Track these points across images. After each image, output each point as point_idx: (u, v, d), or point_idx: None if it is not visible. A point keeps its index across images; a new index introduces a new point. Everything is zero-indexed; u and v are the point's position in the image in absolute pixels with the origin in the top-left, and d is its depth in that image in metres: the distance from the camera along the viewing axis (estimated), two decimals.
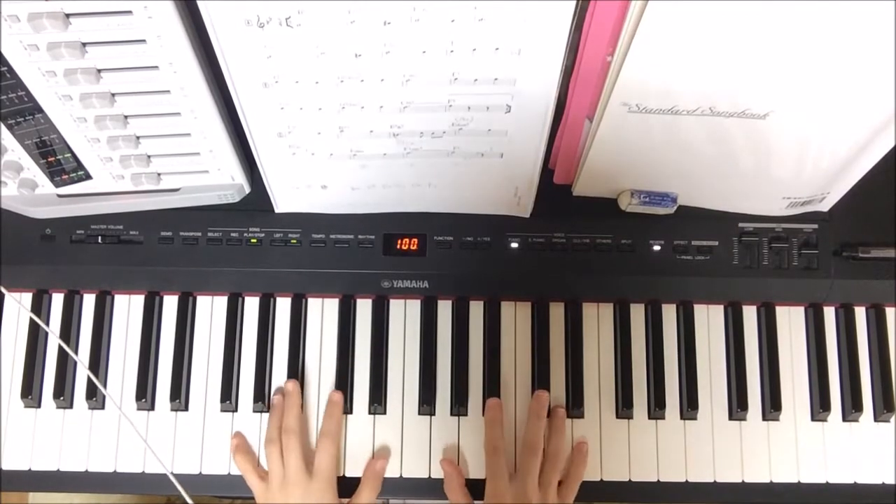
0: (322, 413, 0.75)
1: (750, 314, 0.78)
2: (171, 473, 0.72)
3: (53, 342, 0.76)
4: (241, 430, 0.75)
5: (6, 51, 0.55)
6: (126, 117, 0.62)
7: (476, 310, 0.77)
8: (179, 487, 0.71)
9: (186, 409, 0.75)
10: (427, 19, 0.52)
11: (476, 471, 0.73)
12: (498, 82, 0.58)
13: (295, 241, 0.74)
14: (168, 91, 0.60)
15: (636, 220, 0.75)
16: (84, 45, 0.55)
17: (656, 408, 0.75)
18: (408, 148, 0.65)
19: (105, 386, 0.75)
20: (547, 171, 0.73)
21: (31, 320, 0.76)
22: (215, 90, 0.61)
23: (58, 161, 0.67)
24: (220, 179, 0.72)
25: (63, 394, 0.74)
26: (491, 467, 0.71)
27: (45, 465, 0.74)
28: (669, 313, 0.77)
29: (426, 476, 0.74)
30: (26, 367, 0.75)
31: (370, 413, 0.75)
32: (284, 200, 0.73)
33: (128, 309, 0.77)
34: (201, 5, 0.50)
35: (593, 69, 0.59)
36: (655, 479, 0.74)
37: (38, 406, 0.75)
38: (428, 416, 0.75)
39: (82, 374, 0.75)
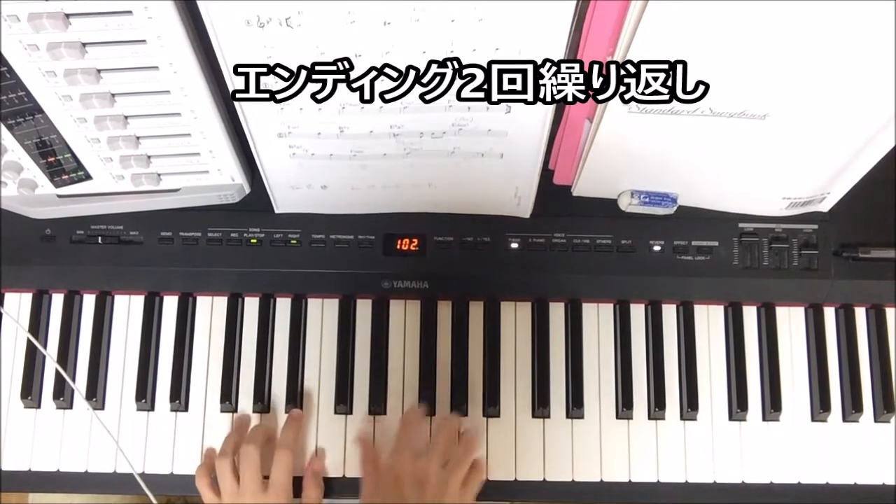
0: (319, 416, 0.75)
1: (750, 314, 0.78)
2: (138, 474, 0.72)
3: (53, 342, 0.76)
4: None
5: (6, 51, 0.55)
6: (126, 117, 0.62)
7: (476, 310, 0.77)
8: (146, 489, 0.71)
9: (186, 409, 0.75)
10: (427, 19, 0.52)
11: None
12: None
13: (295, 242, 0.74)
14: (168, 91, 0.60)
15: (636, 220, 0.75)
16: (84, 45, 0.55)
17: (656, 408, 0.75)
18: (408, 148, 0.65)
19: (105, 386, 0.75)
20: (547, 171, 0.74)
21: (31, 320, 0.76)
22: (215, 90, 0.61)
23: (58, 161, 0.67)
24: (220, 180, 0.72)
25: (63, 394, 0.74)
26: (400, 438, 0.71)
27: (45, 465, 0.74)
28: (669, 313, 0.77)
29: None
30: (26, 368, 0.75)
31: (370, 413, 0.75)
32: (284, 201, 0.73)
33: (128, 309, 0.77)
34: (201, 5, 0.50)
35: None
36: (655, 480, 0.74)
37: (38, 406, 0.75)
38: (428, 417, 0.75)
39: (82, 374, 0.75)
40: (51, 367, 0.75)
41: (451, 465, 0.69)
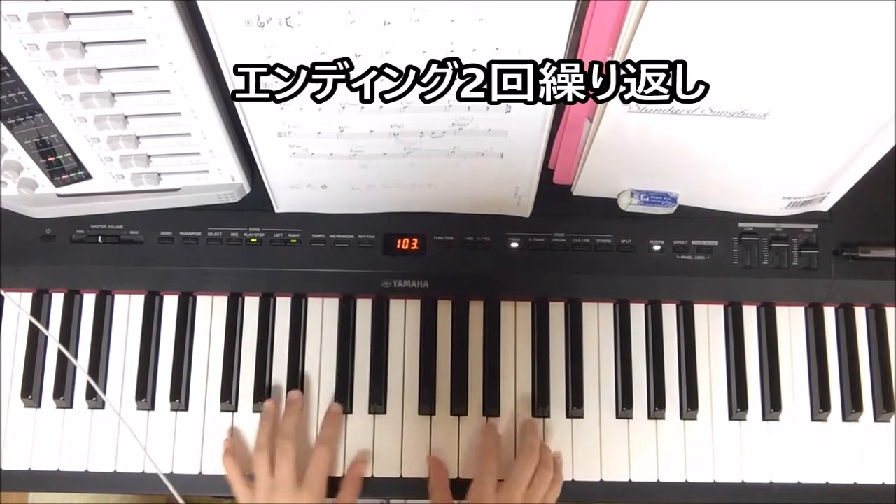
0: (321, 415, 0.75)
1: (750, 314, 0.78)
2: (164, 474, 0.72)
3: (53, 342, 0.76)
4: (241, 430, 0.75)
5: (6, 51, 0.55)
6: (126, 117, 0.62)
7: (476, 310, 0.77)
8: (172, 489, 0.71)
9: (186, 409, 0.75)
10: (427, 19, 0.52)
11: (471, 471, 0.73)
12: None
13: (295, 241, 0.74)
14: (168, 91, 0.60)
15: (636, 220, 0.75)
16: (84, 44, 0.55)
17: (656, 408, 0.75)
18: (408, 148, 0.65)
19: (105, 385, 0.75)
20: (547, 171, 0.74)
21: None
22: (215, 90, 0.61)
23: (58, 161, 0.67)
24: (220, 179, 0.72)
25: (63, 394, 0.74)
26: (481, 469, 0.70)
27: (45, 465, 0.74)
28: (669, 313, 0.78)
29: (426, 476, 0.74)
30: (26, 367, 0.75)
31: (370, 413, 0.75)
32: (284, 200, 0.73)
33: (128, 309, 0.77)
34: (201, 5, 0.50)
35: None
36: (655, 480, 0.74)
37: (38, 406, 0.75)
38: (428, 416, 0.75)
39: (82, 374, 0.75)
40: (51, 366, 0.75)
41: (534, 485, 0.69)
